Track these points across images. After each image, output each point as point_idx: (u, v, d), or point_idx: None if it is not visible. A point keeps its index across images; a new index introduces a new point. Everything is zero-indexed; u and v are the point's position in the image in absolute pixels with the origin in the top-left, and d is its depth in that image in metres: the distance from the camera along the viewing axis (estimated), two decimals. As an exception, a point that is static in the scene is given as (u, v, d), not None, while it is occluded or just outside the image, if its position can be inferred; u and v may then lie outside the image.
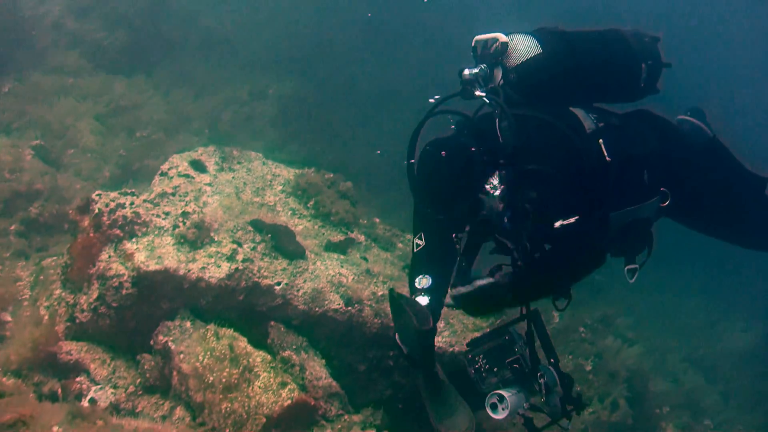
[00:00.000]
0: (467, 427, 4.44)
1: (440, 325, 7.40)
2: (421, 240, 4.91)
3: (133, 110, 13.11)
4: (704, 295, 17.25)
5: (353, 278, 7.57)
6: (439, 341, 7.35)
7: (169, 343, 6.65)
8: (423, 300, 4.70)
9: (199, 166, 8.41)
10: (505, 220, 4.45)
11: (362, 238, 8.62)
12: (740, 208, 5.37)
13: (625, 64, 4.95)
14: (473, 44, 4.81)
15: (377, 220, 9.49)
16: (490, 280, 4.35)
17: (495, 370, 4.47)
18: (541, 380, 4.38)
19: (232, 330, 6.71)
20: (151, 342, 6.84)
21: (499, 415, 4.33)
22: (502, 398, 4.33)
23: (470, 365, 4.54)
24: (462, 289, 4.36)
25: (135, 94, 13.69)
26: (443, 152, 4.31)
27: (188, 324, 6.84)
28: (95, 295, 6.84)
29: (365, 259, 8.14)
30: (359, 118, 16.88)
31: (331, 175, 9.05)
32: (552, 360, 4.47)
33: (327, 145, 14.84)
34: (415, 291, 4.79)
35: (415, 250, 4.95)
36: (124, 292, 6.79)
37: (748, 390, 13.96)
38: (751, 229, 5.49)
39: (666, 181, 4.89)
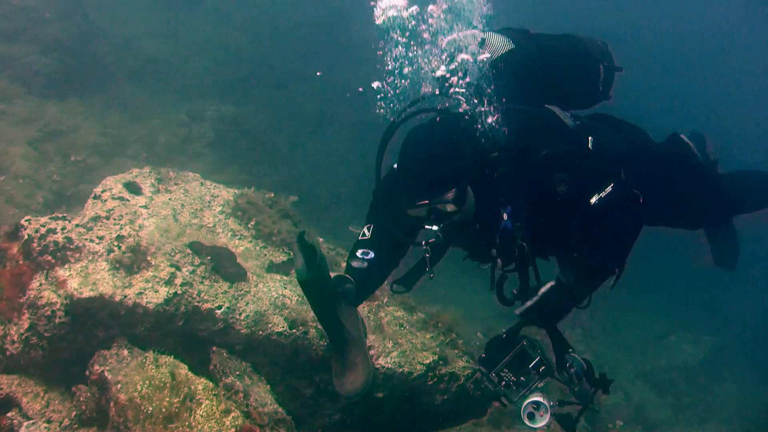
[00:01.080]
0: (357, 387, 4.15)
1: (389, 345, 7.24)
2: (369, 232, 4.66)
3: (68, 135, 12.83)
4: (652, 309, 17.36)
5: (297, 300, 7.34)
6: (388, 362, 7.16)
7: (106, 373, 6.34)
8: (360, 264, 4.51)
9: (133, 188, 8.13)
10: (505, 218, 4.32)
11: (305, 258, 8.40)
12: (698, 200, 5.36)
13: (586, 64, 4.98)
14: (443, 46, 4.66)
15: (320, 239, 9.29)
16: (552, 284, 4.33)
17: (522, 379, 4.31)
18: (572, 370, 4.26)
19: (171, 357, 6.39)
20: (87, 372, 6.51)
21: (540, 423, 4.17)
22: (538, 404, 4.18)
23: (496, 384, 4.32)
24: (529, 303, 4.32)
25: (69, 118, 13.40)
26: (433, 136, 4.20)
27: (125, 352, 6.54)
28: (26, 325, 6.51)
29: (309, 279, 7.90)
30: (301, 137, 16.77)
31: (272, 195, 8.86)
32: (570, 350, 4.37)
33: (268, 166, 14.74)
34: (354, 258, 4.56)
35: (359, 238, 4.69)
36: (57, 321, 6.48)
37: (698, 403, 14.03)
38: (703, 210, 5.50)
39: (637, 181, 4.80)
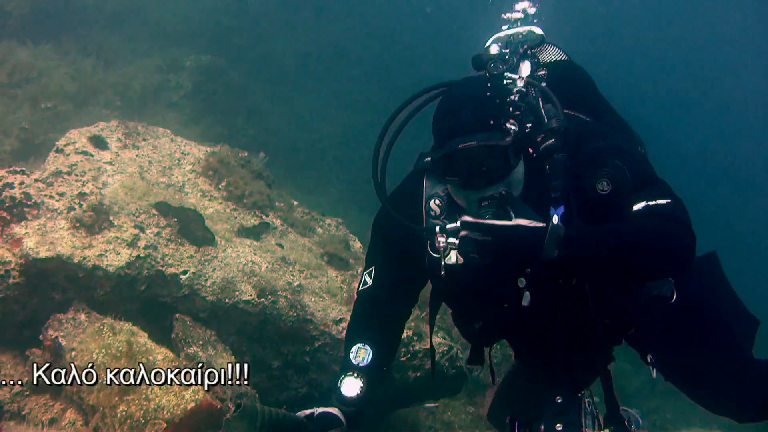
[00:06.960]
0: None
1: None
2: (370, 278, 3.98)
3: (39, 80, 12.30)
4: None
5: (267, 267, 7.03)
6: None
7: (60, 339, 6.02)
8: (354, 386, 3.71)
9: (99, 142, 7.73)
10: (555, 220, 3.13)
11: (278, 222, 8.09)
12: None
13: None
14: (488, 44, 4.15)
15: (295, 202, 8.97)
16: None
17: None
18: (632, 427, 3.50)
19: (130, 324, 6.06)
20: (41, 337, 6.18)
21: None
22: None
23: None
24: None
25: (41, 63, 12.86)
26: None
27: (83, 317, 6.22)
28: (-23, 284, 6.17)
29: (281, 245, 7.60)
30: (281, 90, 16.42)
31: (246, 154, 8.53)
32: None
33: (245, 120, 14.42)
34: (348, 367, 3.78)
35: (360, 288, 4.05)
36: (10, 281, 6.16)
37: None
38: None
39: None
